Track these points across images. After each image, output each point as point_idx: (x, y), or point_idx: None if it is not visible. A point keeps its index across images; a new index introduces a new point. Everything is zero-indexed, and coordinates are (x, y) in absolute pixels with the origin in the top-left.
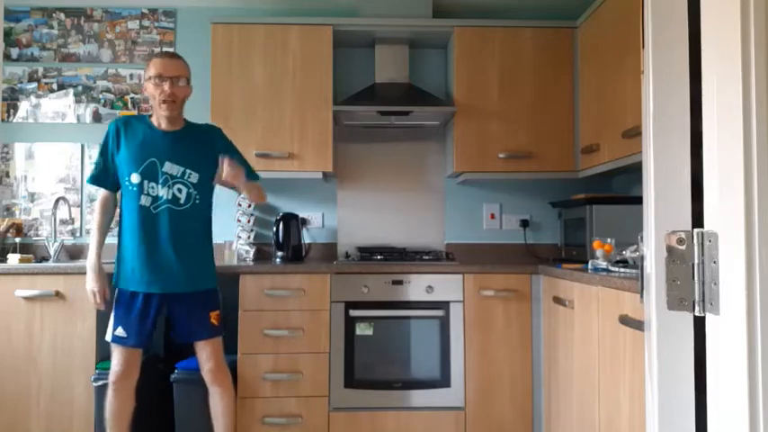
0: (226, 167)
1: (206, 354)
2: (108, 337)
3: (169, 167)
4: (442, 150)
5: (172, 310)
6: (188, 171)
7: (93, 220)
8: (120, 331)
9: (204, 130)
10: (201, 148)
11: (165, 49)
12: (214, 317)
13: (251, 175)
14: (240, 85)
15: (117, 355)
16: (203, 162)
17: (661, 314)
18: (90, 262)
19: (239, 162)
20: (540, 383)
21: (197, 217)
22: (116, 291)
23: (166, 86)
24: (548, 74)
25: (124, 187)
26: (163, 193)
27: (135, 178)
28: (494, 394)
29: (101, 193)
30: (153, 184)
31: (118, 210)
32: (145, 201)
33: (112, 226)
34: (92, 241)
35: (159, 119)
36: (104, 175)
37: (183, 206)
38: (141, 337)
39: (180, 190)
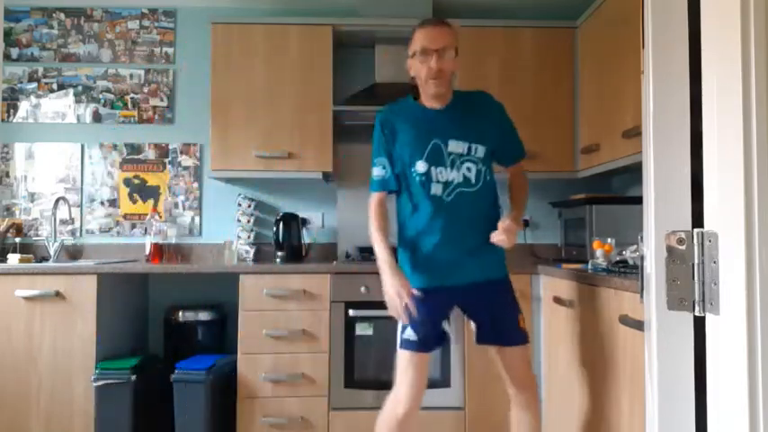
0: (501, 236)
1: (515, 363)
2: (400, 343)
3: (454, 146)
4: None
5: (468, 304)
6: (473, 146)
7: (371, 225)
8: (411, 333)
9: (477, 98)
10: (480, 116)
11: (165, 49)
12: (521, 321)
13: (521, 154)
14: (240, 85)
15: (411, 368)
16: (486, 132)
17: (661, 314)
18: (385, 262)
19: (513, 141)
20: (541, 383)
21: (489, 195)
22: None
23: (433, 62)
24: (548, 74)
25: (409, 180)
26: (453, 176)
27: (422, 167)
28: (494, 394)
29: (376, 196)
30: (441, 168)
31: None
32: (436, 189)
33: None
34: (378, 245)
35: (428, 98)
36: (392, 177)
37: (475, 186)
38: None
39: (469, 169)
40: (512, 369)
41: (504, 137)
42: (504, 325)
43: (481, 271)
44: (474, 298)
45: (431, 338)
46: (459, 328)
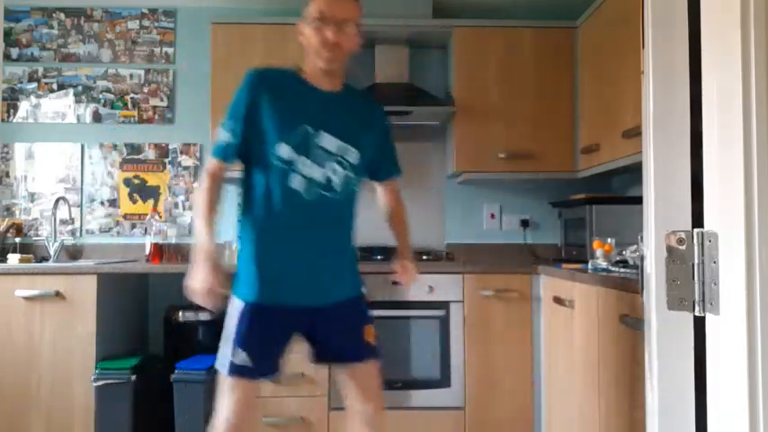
0: (402, 275)
1: (363, 380)
2: (223, 369)
3: (327, 141)
4: (442, 150)
5: (317, 325)
6: (347, 147)
7: (198, 197)
8: (243, 358)
9: (368, 102)
10: (364, 119)
11: (165, 49)
12: (369, 333)
13: (396, 172)
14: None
15: (235, 393)
16: (364, 137)
17: (661, 314)
18: (202, 248)
19: (391, 157)
20: (540, 383)
21: (350, 210)
22: (236, 303)
23: (330, 32)
24: (548, 74)
25: (266, 163)
26: (317, 174)
27: (285, 151)
28: (494, 394)
29: (215, 164)
30: (305, 160)
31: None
32: (298, 183)
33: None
34: (201, 225)
35: (315, 73)
36: (236, 147)
37: (338, 193)
38: (271, 363)
39: (335, 172)
40: (360, 387)
41: (382, 149)
42: (349, 340)
43: (340, 290)
44: (324, 319)
45: (267, 365)
46: (459, 329)
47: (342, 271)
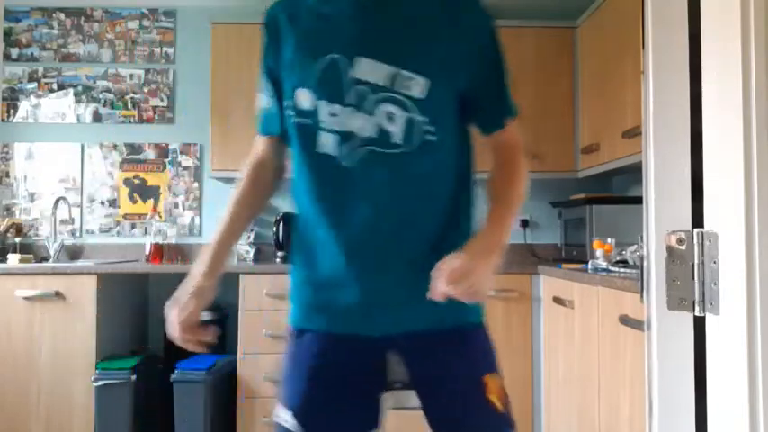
0: (444, 285)
1: None
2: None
3: (367, 69)
4: None
5: (411, 365)
6: (405, 74)
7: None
8: (286, 415)
9: None
10: (437, 25)
11: (165, 49)
12: (494, 389)
13: (506, 113)
14: (240, 85)
15: None
16: (439, 57)
17: (661, 314)
18: (201, 260)
19: (496, 96)
20: (540, 383)
21: (435, 170)
22: (288, 329)
23: None
24: (548, 74)
25: (289, 125)
26: (359, 123)
27: (305, 99)
28: None
29: (255, 144)
30: (337, 106)
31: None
32: (331, 144)
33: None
34: (218, 226)
35: None
36: (276, 113)
37: (400, 148)
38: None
39: (391, 115)
40: None
41: (478, 77)
42: (456, 401)
43: (428, 312)
44: (409, 359)
45: (330, 425)
46: None
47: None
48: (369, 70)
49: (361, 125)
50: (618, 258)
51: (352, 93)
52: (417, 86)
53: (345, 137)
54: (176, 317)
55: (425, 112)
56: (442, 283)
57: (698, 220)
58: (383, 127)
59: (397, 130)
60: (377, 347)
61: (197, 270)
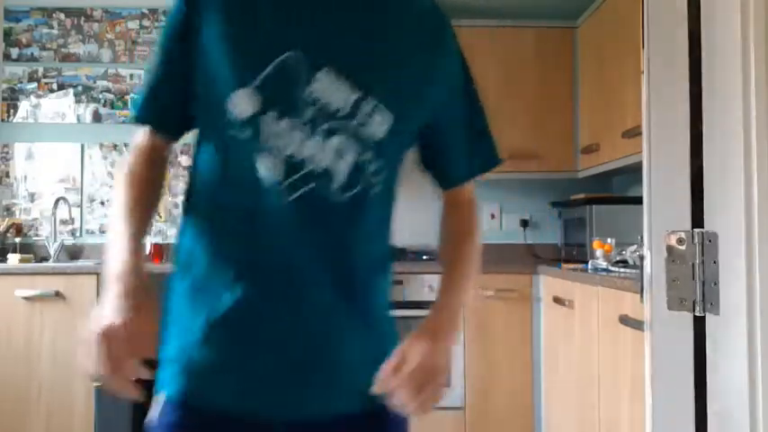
0: (390, 383)
1: None
2: None
3: (327, 83)
4: None
5: None
6: (371, 103)
7: (116, 197)
8: None
9: (427, 8)
10: (415, 43)
11: None
12: None
13: (487, 164)
14: None
15: None
16: (413, 82)
17: (661, 314)
18: (120, 265)
19: (474, 142)
20: (540, 383)
21: (375, 226)
22: (161, 403)
23: None
24: (548, 74)
25: (214, 132)
26: (310, 152)
27: (244, 104)
28: (494, 394)
29: (141, 135)
30: (286, 122)
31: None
32: (270, 169)
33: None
34: (118, 226)
35: None
36: (160, 101)
37: (338, 195)
38: None
39: (340, 153)
40: None
41: (456, 114)
42: None
43: (352, 392)
44: None
45: None
46: (461, 330)
47: (362, 351)
48: (328, 87)
49: (313, 155)
50: (618, 258)
51: (308, 110)
52: (380, 122)
53: (292, 166)
54: (118, 338)
55: (379, 156)
56: (388, 378)
57: (698, 220)
58: (328, 165)
59: (341, 173)
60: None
61: (127, 269)
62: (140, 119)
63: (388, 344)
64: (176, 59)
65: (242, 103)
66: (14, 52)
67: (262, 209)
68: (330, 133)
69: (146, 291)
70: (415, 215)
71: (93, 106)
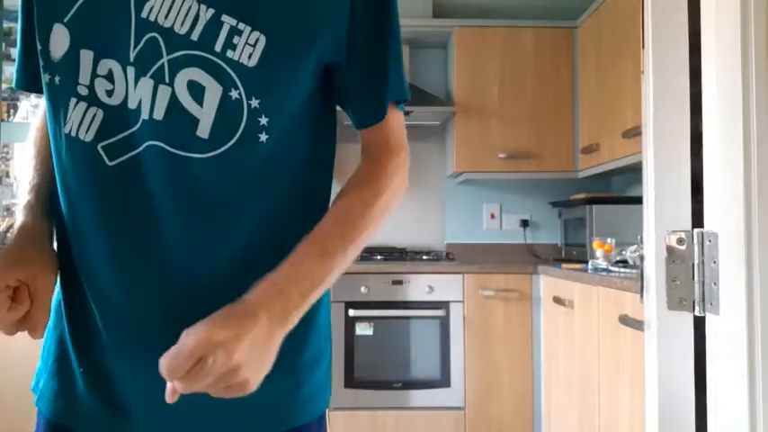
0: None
1: None
2: None
3: (160, 5)
4: (442, 150)
5: None
6: (228, 21)
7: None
8: None
9: None
10: None
11: None
12: None
13: (395, 94)
14: None
15: None
16: (287, 4)
17: (661, 314)
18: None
19: (381, 77)
20: (540, 383)
21: (263, 195)
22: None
23: None
24: (548, 74)
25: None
26: (142, 94)
27: (58, 40)
28: (494, 394)
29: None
30: (109, 61)
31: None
32: (78, 119)
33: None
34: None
35: None
36: (28, 64)
37: (205, 149)
38: None
39: (198, 89)
40: None
41: (353, 36)
42: None
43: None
44: None
45: None
46: (460, 329)
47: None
48: (168, 5)
49: (145, 99)
50: (618, 258)
51: (138, 41)
52: (245, 46)
53: (114, 116)
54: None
55: (256, 91)
56: (170, 374)
57: (698, 220)
58: (182, 108)
59: (204, 117)
60: None
61: (23, 226)
62: (16, 85)
63: (297, 348)
64: (24, 18)
65: (57, 40)
66: (14, 52)
67: (84, 180)
68: (178, 65)
69: (31, 244)
70: (415, 215)
71: None
